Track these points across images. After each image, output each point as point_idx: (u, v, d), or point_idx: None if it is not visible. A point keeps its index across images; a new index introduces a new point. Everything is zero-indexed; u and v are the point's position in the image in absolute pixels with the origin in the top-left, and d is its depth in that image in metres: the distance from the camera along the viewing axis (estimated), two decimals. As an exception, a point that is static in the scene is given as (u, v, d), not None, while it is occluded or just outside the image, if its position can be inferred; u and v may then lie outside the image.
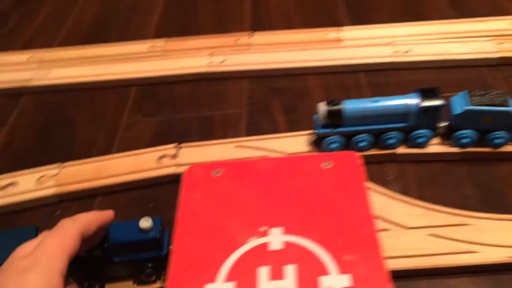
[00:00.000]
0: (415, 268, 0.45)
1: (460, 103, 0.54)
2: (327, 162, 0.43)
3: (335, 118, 0.54)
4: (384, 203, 0.51)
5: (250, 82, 0.71)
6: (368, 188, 0.40)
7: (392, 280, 0.44)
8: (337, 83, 0.70)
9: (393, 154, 0.57)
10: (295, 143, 0.59)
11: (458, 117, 0.54)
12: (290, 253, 0.36)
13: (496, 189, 0.53)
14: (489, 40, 0.72)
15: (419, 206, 0.50)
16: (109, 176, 0.56)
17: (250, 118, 0.65)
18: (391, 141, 0.56)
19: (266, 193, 0.41)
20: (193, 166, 0.43)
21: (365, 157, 0.57)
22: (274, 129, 0.63)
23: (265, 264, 0.35)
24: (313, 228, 0.37)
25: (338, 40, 0.76)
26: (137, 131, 0.64)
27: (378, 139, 0.56)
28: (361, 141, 0.56)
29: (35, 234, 0.40)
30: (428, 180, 0.55)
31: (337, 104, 0.54)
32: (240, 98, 0.68)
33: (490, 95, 0.53)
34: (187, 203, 0.40)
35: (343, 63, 0.71)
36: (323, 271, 0.35)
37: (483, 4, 0.83)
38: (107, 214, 0.39)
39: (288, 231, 0.37)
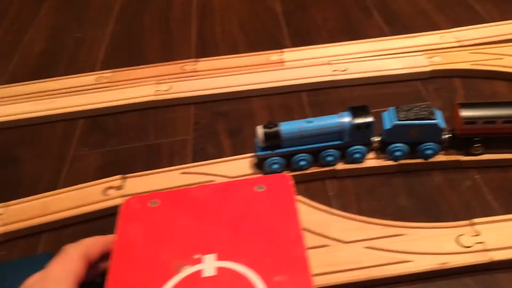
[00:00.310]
0: (352, 281, 0.47)
1: (389, 119, 0.57)
2: (260, 185, 0.44)
3: (273, 140, 0.57)
4: (323, 220, 0.53)
5: (196, 108, 0.72)
6: (298, 210, 0.42)
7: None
8: (280, 104, 0.72)
9: (333, 170, 0.59)
10: (239, 166, 0.60)
11: (388, 132, 0.57)
12: (223, 279, 0.37)
13: (429, 198, 0.56)
14: (421, 54, 0.76)
15: (356, 220, 0.53)
16: (54, 212, 0.56)
17: (196, 144, 0.66)
18: (329, 159, 0.58)
19: (201, 221, 0.42)
20: (130, 199, 0.44)
21: (307, 175, 0.59)
22: (220, 153, 0.64)
23: (198, 291, 0.37)
24: (245, 252, 0.39)
25: (281, 62, 0.78)
26: (84, 164, 0.64)
27: (317, 157, 0.59)
28: (300, 160, 0.58)
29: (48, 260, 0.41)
30: (366, 193, 0.57)
31: (274, 126, 0.56)
32: (187, 124, 0.70)
33: (416, 109, 0.56)
34: (123, 235, 0.41)
35: (285, 84, 0.74)
36: (254, 294, 0.36)
37: (417, 20, 0.87)
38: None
39: (221, 257, 0.39)
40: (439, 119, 0.56)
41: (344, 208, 0.55)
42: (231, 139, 0.67)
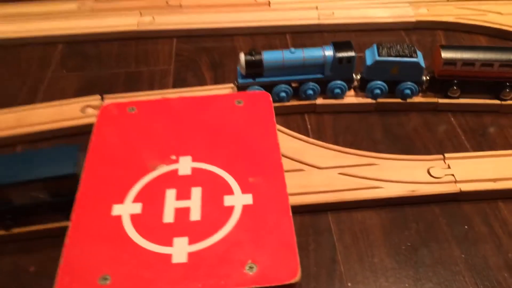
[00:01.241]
0: (324, 202, 0.48)
1: (371, 55, 0.58)
2: (239, 100, 0.44)
3: (255, 68, 0.56)
4: (301, 148, 0.54)
5: (179, 42, 0.72)
6: (276, 124, 0.42)
7: (299, 212, 0.48)
8: (264, 43, 0.72)
9: (313, 105, 0.60)
10: (219, 94, 0.60)
11: (369, 68, 0.57)
12: (198, 178, 0.38)
13: (404, 136, 0.57)
14: (407, 6, 0.76)
15: (332, 149, 0.53)
16: (30, 125, 0.55)
17: (177, 74, 0.66)
18: (309, 92, 0.59)
19: (178, 127, 0.42)
20: (108, 105, 0.44)
21: (287, 107, 0.60)
22: (200, 84, 0.64)
23: (173, 187, 0.37)
24: (221, 156, 0.39)
25: (268, 3, 0.78)
26: (62, 85, 0.63)
27: (297, 91, 0.59)
28: (281, 92, 0.58)
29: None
30: (343, 129, 0.58)
31: (257, 54, 0.56)
32: (169, 56, 0.69)
33: (398, 48, 0.57)
34: (99, 136, 0.41)
35: (271, 25, 0.73)
36: (228, 192, 0.37)
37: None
38: None
39: (196, 159, 0.39)
40: (420, 59, 0.57)
41: (321, 140, 0.56)
42: (213, 71, 0.66)
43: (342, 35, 0.73)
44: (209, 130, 0.42)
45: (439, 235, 0.46)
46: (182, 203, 0.36)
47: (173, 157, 0.39)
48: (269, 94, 0.45)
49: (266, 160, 0.39)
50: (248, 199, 0.36)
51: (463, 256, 0.44)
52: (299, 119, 0.59)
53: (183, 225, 0.34)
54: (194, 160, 0.39)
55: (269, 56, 0.56)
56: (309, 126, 0.58)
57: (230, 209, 0.36)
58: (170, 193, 0.36)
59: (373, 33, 0.74)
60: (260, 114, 0.43)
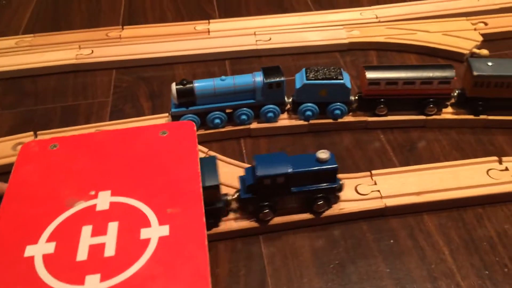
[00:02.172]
0: (255, 226, 0.49)
1: (300, 79, 0.60)
2: (163, 130, 0.45)
3: (187, 97, 0.58)
4: (233, 172, 0.54)
5: (118, 73, 0.72)
6: (198, 153, 0.43)
7: (231, 238, 0.48)
8: (203, 71, 0.74)
9: (248, 129, 0.61)
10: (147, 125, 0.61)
11: (299, 91, 0.59)
12: (115, 212, 0.38)
13: (336, 155, 0.58)
14: (340, 28, 0.79)
15: (264, 173, 0.54)
16: (-41, 166, 0.55)
17: (115, 106, 0.66)
18: (243, 117, 0.60)
19: (100, 162, 0.42)
20: (30, 142, 0.44)
21: (222, 133, 0.61)
22: (138, 115, 0.64)
23: (90, 223, 0.37)
24: (140, 189, 0.40)
25: (207, 31, 0.79)
26: (-4, 123, 0.63)
27: (232, 116, 0.60)
28: (215, 119, 0.59)
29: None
30: (278, 151, 0.59)
31: (188, 83, 0.57)
32: (108, 88, 0.70)
33: (324, 71, 0.59)
34: (18, 175, 0.41)
35: (210, 52, 0.75)
36: (145, 224, 0.37)
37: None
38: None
39: (115, 193, 0.39)
40: (345, 80, 0.59)
41: (255, 164, 0.57)
42: (151, 101, 0.67)
43: (279, 59, 0.75)
44: (131, 162, 0.42)
45: (366, 251, 0.48)
46: (97, 239, 0.36)
47: (92, 193, 0.40)
48: (193, 123, 0.46)
49: (186, 190, 0.40)
50: (165, 230, 0.37)
51: (388, 270, 0.46)
52: (234, 144, 0.61)
53: (96, 261, 0.34)
54: (113, 194, 0.40)
55: (200, 85, 0.58)
56: (244, 151, 0.60)
57: (146, 242, 0.36)
58: (86, 230, 0.37)
59: (309, 56, 0.76)
60: (183, 144, 0.44)
